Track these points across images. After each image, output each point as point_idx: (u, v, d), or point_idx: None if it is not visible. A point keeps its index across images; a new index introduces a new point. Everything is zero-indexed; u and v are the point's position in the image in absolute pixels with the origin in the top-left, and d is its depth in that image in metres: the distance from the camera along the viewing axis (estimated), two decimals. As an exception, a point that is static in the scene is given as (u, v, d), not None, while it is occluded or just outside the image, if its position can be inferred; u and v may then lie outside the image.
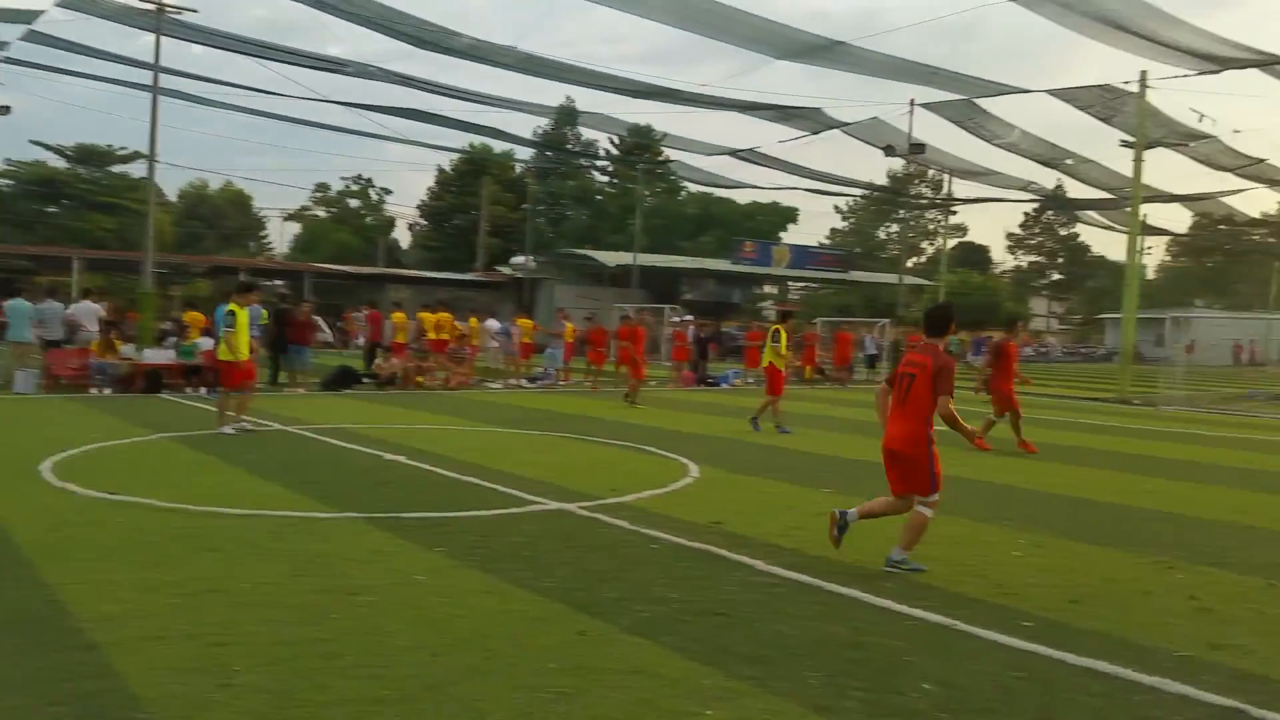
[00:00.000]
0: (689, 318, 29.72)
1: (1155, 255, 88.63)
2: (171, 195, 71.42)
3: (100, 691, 3.79)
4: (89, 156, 59.27)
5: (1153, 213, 33.94)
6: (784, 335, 14.49)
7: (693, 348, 24.88)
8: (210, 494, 7.81)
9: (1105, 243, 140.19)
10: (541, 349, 23.96)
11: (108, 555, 5.87)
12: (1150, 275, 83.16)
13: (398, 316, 20.98)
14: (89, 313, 18.60)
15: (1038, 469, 11.21)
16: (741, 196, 59.25)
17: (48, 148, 59.13)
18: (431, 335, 21.52)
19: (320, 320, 23.34)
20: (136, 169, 58.31)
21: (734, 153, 26.44)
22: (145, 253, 22.49)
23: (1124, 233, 27.33)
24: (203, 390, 17.79)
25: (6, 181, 57.07)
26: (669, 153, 44.32)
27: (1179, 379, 25.08)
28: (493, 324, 23.21)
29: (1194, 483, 10.56)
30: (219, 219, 73.88)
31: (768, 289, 66.43)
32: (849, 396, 22.72)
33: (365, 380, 20.45)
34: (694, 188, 57.29)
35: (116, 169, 60.63)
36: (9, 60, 22.64)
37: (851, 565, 6.18)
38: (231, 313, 11.87)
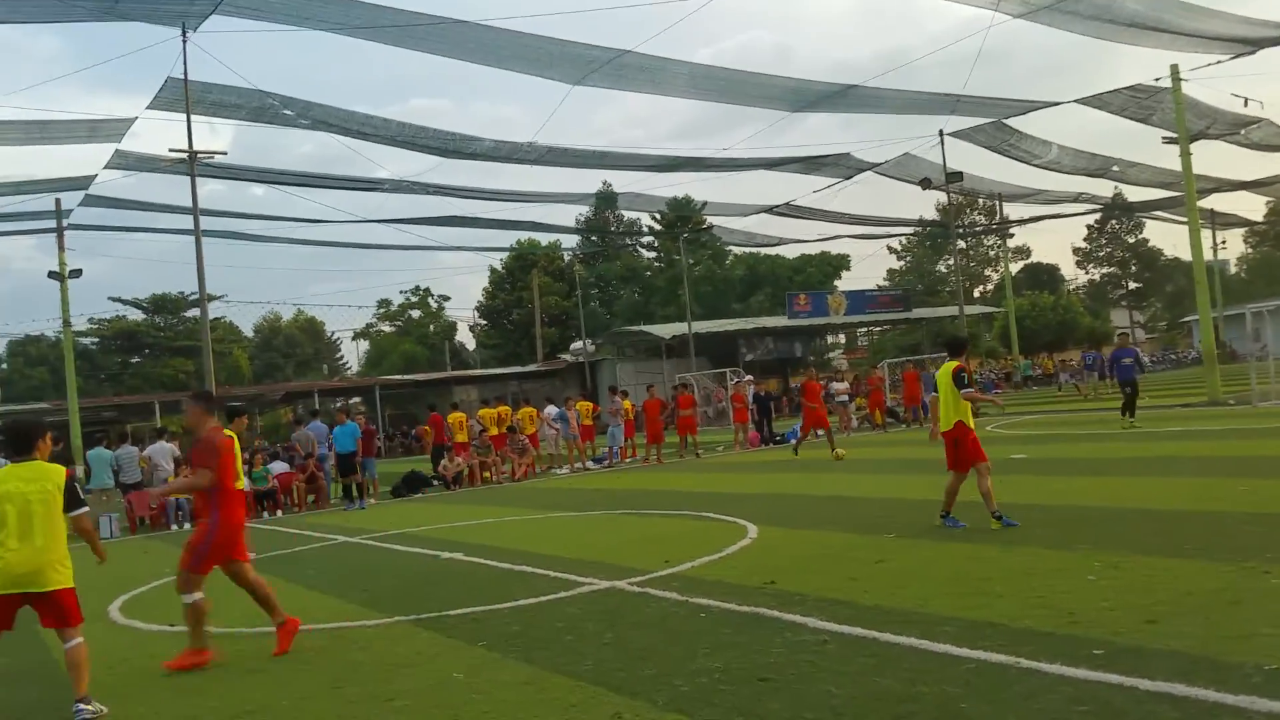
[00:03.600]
0: (748, 378, 29.48)
1: (1233, 248, 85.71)
2: (247, 331, 74.48)
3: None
4: (163, 305, 62.36)
5: (1222, 204, 32.84)
6: (966, 373, 9.10)
7: (753, 407, 24.58)
8: (264, 616, 7.83)
9: (1177, 244, 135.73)
10: (604, 430, 23.95)
11: (156, 688, 5.88)
12: (1233, 269, 80.00)
13: (455, 416, 21.22)
14: (164, 452, 19.23)
15: (1116, 486, 10.63)
16: (789, 252, 59.29)
17: (125, 302, 62.45)
18: (493, 430, 21.70)
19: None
20: (212, 310, 61.16)
21: (770, 209, 26.53)
22: (208, 388, 23.26)
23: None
24: (279, 514, 18.23)
25: (90, 340, 60.17)
26: (710, 219, 44.71)
27: (1273, 373, 23.80)
28: (551, 410, 23.30)
29: (1290, 479, 9.85)
30: (293, 347, 76.66)
31: (831, 340, 65.90)
32: (920, 436, 22.08)
33: (434, 482, 20.66)
34: (739, 251, 57.57)
35: (191, 314, 63.61)
36: (74, 226, 24.05)
37: (908, 610, 5.86)
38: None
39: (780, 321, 48.33)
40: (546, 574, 8.39)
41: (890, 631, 5.42)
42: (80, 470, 19.87)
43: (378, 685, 5.40)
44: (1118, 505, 9.21)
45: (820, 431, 18.40)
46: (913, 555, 7.77)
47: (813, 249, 60.92)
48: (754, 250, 52.85)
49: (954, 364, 8.92)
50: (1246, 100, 23.13)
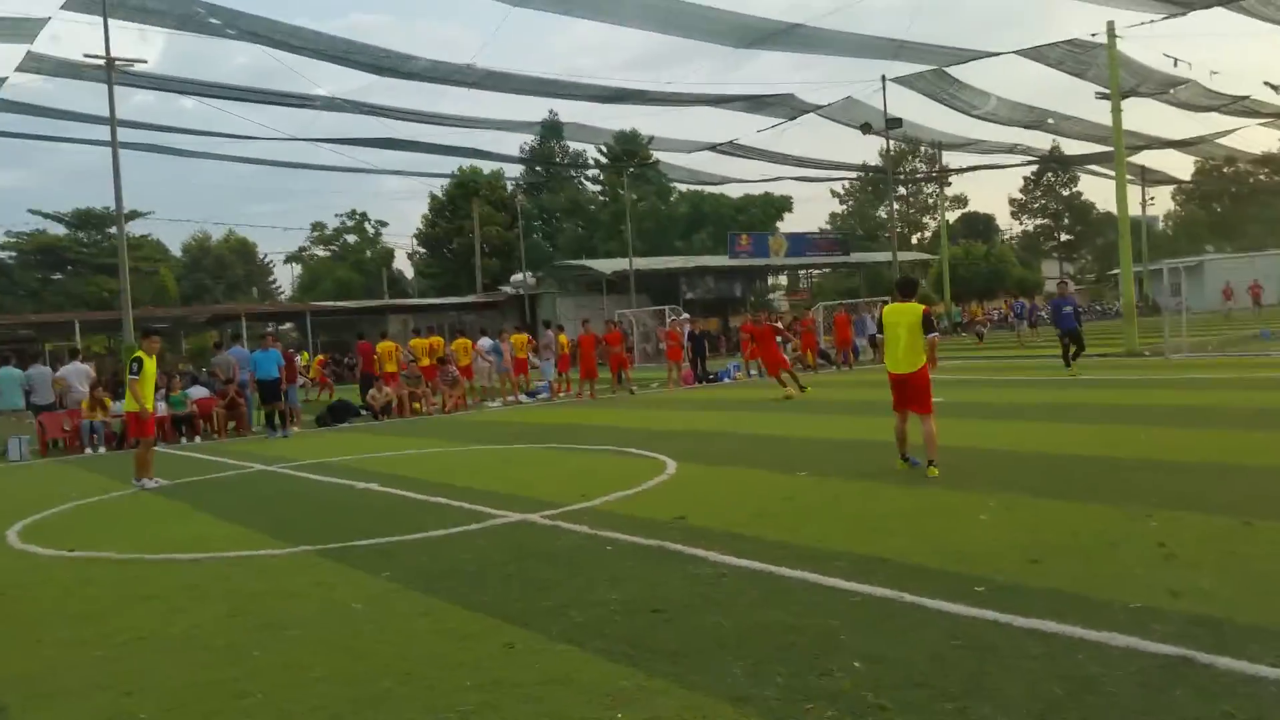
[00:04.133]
0: (684, 316, 29.55)
1: (1161, 204, 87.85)
2: (175, 250, 72.10)
3: (-7, 754, 3.68)
4: (87, 221, 59.92)
5: (1153, 161, 33.55)
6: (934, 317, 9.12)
7: (688, 346, 24.69)
8: (169, 542, 7.73)
9: (1109, 198, 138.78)
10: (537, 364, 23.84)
11: (45, 614, 5.77)
12: (1160, 225, 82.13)
13: (384, 345, 20.90)
14: (79, 374, 18.66)
15: (1022, 430, 10.95)
16: (733, 191, 59.14)
17: (46, 215, 59.85)
18: (424, 361, 21.44)
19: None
20: (136, 227, 58.94)
21: (713, 147, 26.33)
22: (124, 309, 22.55)
23: (1128, 184, 26.87)
24: (197, 439, 17.87)
25: (8, 253, 57.72)
26: (655, 154, 44.29)
27: (1188, 327, 24.63)
28: (485, 342, 23.08)
29: (1186, 428, 10.26)
30: (223, 269, 74.48)
31: (772, 281, 66.22)
32: (850, 379, 22.48)
33: (362, 412, 20.42)
34: (684, 188, 57.24)
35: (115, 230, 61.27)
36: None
37: (806, 546, 6.00)
38: (138, 360, 11.08)
39: (722, 261, 48.36)
40: (461, 506, 8.39)
41: (786, 566, 5.55)
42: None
43: (273, 614, 5.37)
44: (1020, 449, 9.51)
45: (784, 373, 18.57)
46: (820, 493, 7.94)
47: (756, 190, 60.87)
48: (698, 188, 52.58)
49: (922, 307, 8.59)
50: (1176, 60, 23.56)
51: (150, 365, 11.24)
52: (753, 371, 25.54)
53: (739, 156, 29.08)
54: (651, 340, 36.11)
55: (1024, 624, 4.33)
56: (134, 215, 57.17)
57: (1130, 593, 4.70)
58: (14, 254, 58.81)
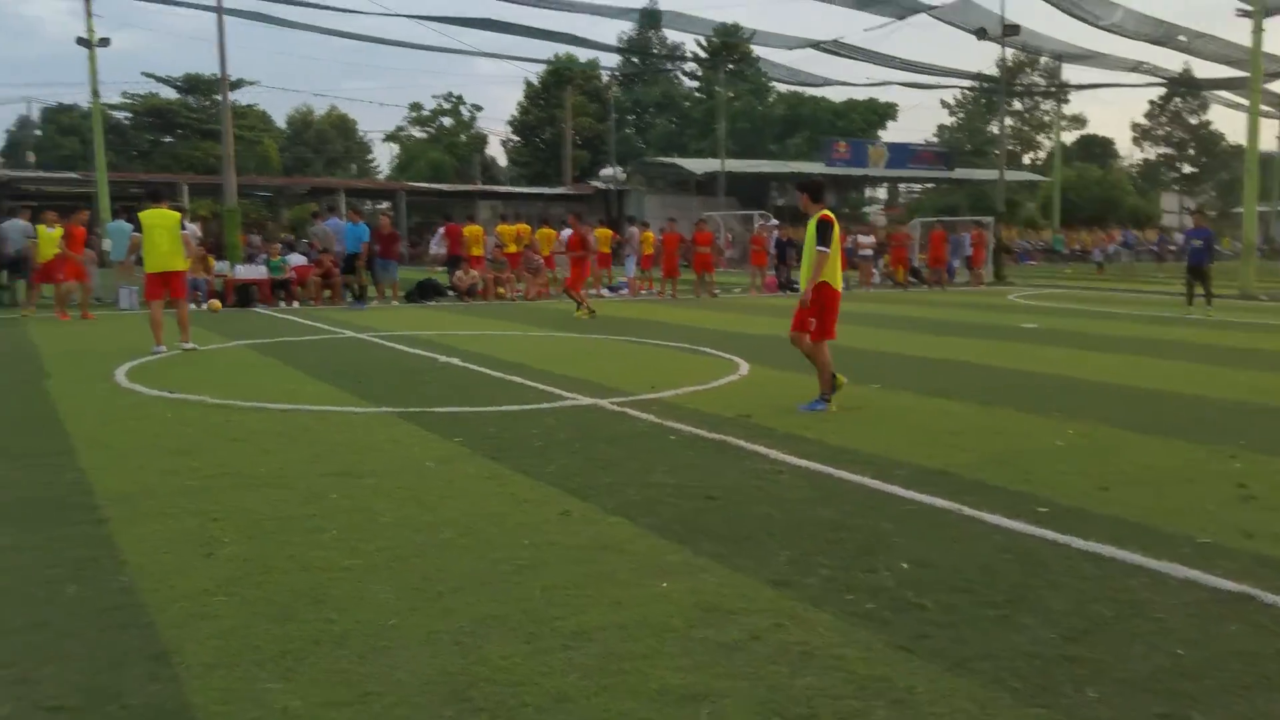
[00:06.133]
0: (773, 222, 29.05)
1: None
2: (280, 122, 73.34)
3: (94, 558, 4.02)
4: (196, 86, 61.16)
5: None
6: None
7: (774, 253, 24.36)
8: (261, 392, 8.14)
9: (1240, 131, 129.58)
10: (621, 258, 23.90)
11: (145, 445, 6.19)
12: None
13: (471, 229, 21.16)
14: (187, 233, 19.38)
15: (1112, 362, 10.61)
16: (834, 95, 57.04)
17: (158, 79, 61.29)
18: (511, 248, 21.69)
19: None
20: (242, 96, 60.12)
21: (816, 44, 25.32)
22: (227, 175, 23.18)
23: (1261, 114, 25.08)
24: (295, 304, 18.59)
25: (123, 114, 59.52)
26: (755, 51, 42.85)
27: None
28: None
29: (1288, 374, 9.79)
30: (323, 143, 75.65)
31: (869, 193, 64.30)
32: (940, 298, 21.95)
33: (449, 292, 20.88)
34: (782, 88, 55.41)
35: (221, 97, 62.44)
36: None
37: (869, 453, 6.01)
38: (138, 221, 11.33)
39: (816, 168, 47.09)
40: (534, 386, 8.60)
41: (846, 469, 5.58)
42: (106, 243, 20.09)
43: (351, 463, 5.66)
44: (1107, 380, 9.23)
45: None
46: (890, 404, 7.89)
47: (859, 95, 58.58)
48: (797, 89, 50.83)
49: (822, 211, 7.45)
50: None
51: (149, 219, 11.06)
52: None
53: (843, 56, 27.98)
54: (738, 245, 35.67)
55: (1081, 546, 4.29)
56: (239, 84, 58.15)
57: (1199, 528, 4.59)
58: (128, 115, 60.59)
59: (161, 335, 10.94)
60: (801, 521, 4.59)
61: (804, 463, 5.76)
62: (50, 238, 16.31)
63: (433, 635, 3.25)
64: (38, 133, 65.38)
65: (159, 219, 11.13)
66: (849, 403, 7.74)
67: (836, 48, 25.56)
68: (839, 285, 7.56)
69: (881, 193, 69.36)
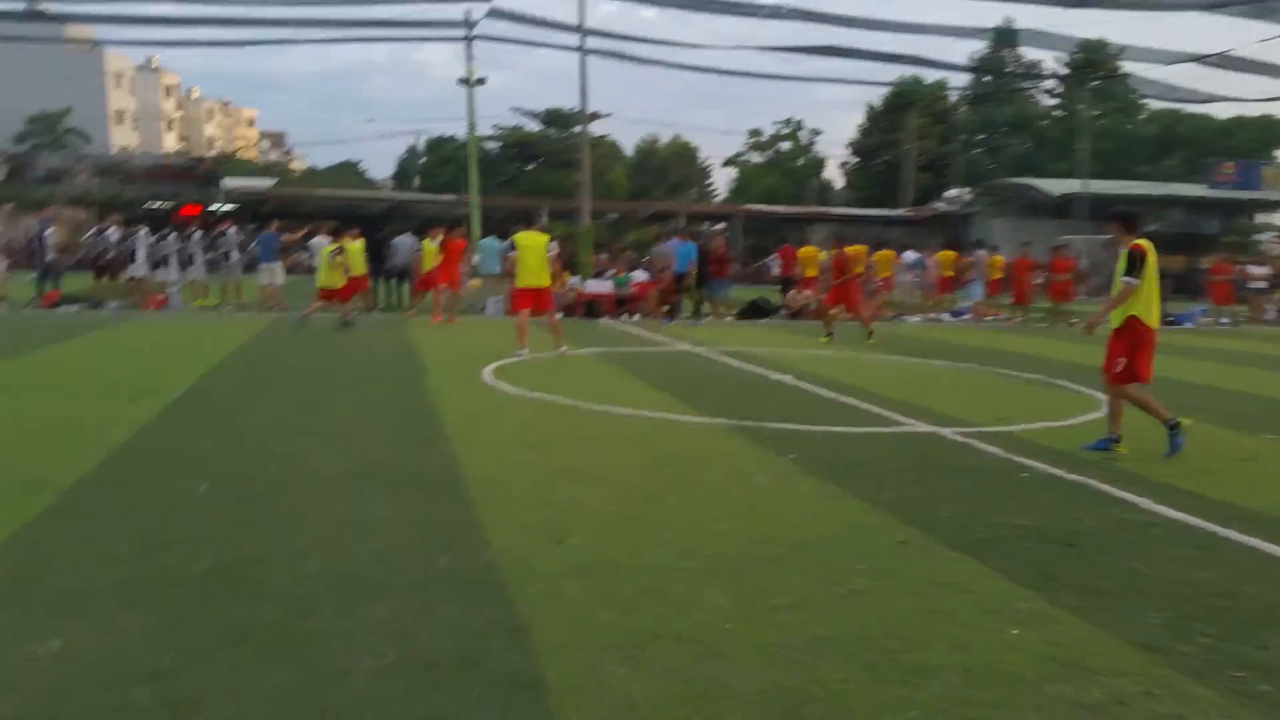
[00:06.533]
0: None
1: None
2: (629, 150, 78.55)
3: (463, 536, 4.49)
4: (556, 119, 67.19)
5: None
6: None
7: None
8: (607, 396, 8.69)
9: None
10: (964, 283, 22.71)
11: (506, 438, 6.84)
12: None
13: (806, 250, 21.17)
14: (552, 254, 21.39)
15: None
16: (1219, 111, 50.16)
17: (524, 113, 68.20)
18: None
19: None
20: (597, 127, 65.10)
21: (1199, 59, 22.44)
22: (582, 200, 25.11)
23: None
24: (635, 317, 19.75)
25: (493, 144, 66.88)
26: (1124, 67, 38.88)
27: None
28: (909, 256, 22.45)
29: None
30: (665, 171, 79.87)
31: (1260, 219, 55.86)
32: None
33: (780, 311, 21.09)
34: (1155, 105, 49.68)
35: (580, 129, 68.08)
36: (479, 36, 26.40)
37: (1261, 513, 5.17)
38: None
39: (1197, 191, 41.74)
40: (869, 409, 8.38)
41: (1233, 529, 4.83)
42: (476, 256, 22.62)
43: (687, 471, 5.85)
44: None
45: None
46: (1293, 461, 6.73)
47: (1251, 111, 51.17)
48: (1174, 106, 45.34)
49: (1135, 241, 6.71)
50: None
51: (523, 240, 12.44)
52: (1223, 320, 22.31)
53: (1231, 70, 24.48)
54: (1101, 273, 32.49)
55: None
56: (595, 116, 63.01)
57: None
58: (497, 145, 67.91)
59: (525, 340, 12.10)
60: (1176, 582, 4.03)
61: (1180, 515, 5.07)
62: (431, 250, 18.61)
63: (766, 647, 3.25)
64: (422, 161, 75.04)
65: (531, 240, 12.44)
66: (1237, 454, 6.71)
67: (1224, 61, 22.44)
68: (1153, 323, 6.79)
69: (1278, 219, 59.90)
